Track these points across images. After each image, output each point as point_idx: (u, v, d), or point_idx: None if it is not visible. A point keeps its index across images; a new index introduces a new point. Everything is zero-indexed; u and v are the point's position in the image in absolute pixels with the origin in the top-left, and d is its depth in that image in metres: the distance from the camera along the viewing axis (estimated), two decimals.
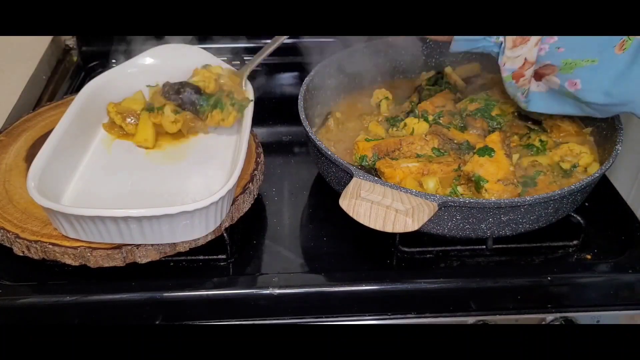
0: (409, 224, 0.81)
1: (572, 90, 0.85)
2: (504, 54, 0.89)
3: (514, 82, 0.91)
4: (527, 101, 0.93)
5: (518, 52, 0.85)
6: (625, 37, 0.82)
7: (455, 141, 1.03)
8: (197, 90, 1.04)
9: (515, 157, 1.00)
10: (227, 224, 0.93)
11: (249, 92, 1.07)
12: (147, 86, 1.11)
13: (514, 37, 0.85)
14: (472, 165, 0.94)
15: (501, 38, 0.88)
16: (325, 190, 1.04)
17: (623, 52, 0.83)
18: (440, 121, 1.08)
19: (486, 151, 0.96)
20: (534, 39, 0.84)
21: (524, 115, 1.08)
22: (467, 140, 1.02)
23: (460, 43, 0.93)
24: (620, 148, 0.95)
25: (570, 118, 1.10)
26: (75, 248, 0.86)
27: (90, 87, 1.05)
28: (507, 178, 0.93)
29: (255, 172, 0.99)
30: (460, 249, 0.97)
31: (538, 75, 0.87)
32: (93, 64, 1.46)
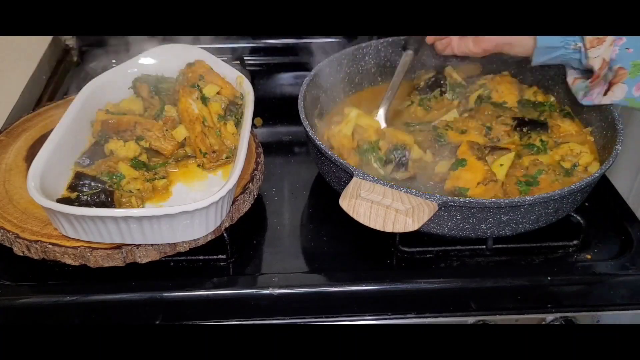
0: (409, 224, 0.81)
1: (637, 95, 0.85)
2: (587, 57, 0.88)
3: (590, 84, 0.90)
4: (583, 99, 0.96)
5: (596, 53, 0.84)
6: None
7: (452, 144, 1.03)
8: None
9: (512, 155, 1.00)
10: (227, 224, 0.93)
11: (249, 92, 1.07)
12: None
13: (591, 38, 0.83)
14: (451, 181, 0.96)
15: (579, 43, 0.88)
16: (325, 190, 1.03)
17: None
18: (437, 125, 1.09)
19: (459, 164, 0.97)
20: (609, 38, 0.82)
21: (522, 121, 1.08)
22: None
23: (540, 55, 0.93)
24: (620, 148, 0.95)
25: (571, 118, 1.10)
26: (75, 248, 0.86)
27: (90, 87, 1.05)
28: (485, 178, 0.94)
29: (255, 172, 0.99)
30: (460, 249, 0.97)
31: (608, 87, 0.86)
32: (93, 64, 1.46)
